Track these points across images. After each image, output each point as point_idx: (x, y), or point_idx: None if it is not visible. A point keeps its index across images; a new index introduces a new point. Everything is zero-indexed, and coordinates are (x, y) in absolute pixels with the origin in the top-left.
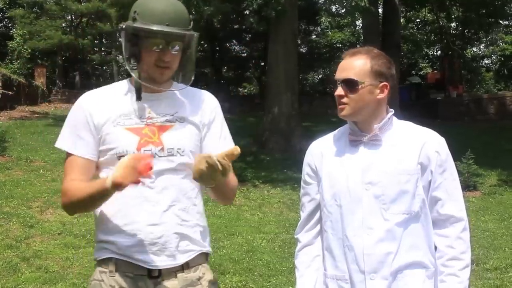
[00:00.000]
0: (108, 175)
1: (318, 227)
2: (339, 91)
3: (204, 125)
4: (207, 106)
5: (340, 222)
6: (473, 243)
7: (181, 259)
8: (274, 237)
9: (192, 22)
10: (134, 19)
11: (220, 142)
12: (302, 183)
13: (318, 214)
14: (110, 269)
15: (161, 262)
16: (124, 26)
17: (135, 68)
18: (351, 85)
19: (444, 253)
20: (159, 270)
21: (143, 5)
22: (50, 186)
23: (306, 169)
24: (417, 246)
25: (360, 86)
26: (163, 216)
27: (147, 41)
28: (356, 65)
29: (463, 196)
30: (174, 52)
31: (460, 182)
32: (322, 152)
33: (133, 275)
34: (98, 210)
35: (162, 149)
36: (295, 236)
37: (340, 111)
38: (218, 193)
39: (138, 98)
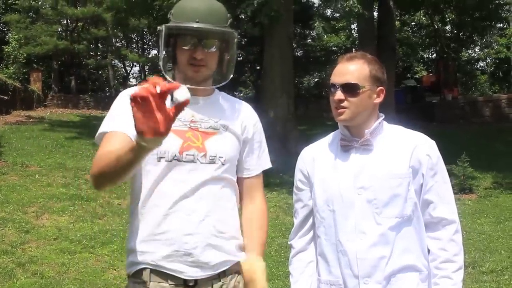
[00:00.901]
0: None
1: (312, 233)
2: (339, 95)
3: (244, 139)
4: (249, 121)
5: (334, 227)
6: (469, 246)
7: (217, 270)
8: (270, 242)
9: (230, 21)
10: (169, 20)
11: (260, 160)
12: (294, 189)
13: (311, 220)
14: (144, 280)
15: (196, 272)
16: (160, 28)
17: (169, 69)
18: (351, 89)
19: (437, 255)
20: (195, 280)
21: (177, 5)
22: (45, 191)
23: (298, 175)
24: (410, 250)
25: (361, 91)
26: (199, 226)
27: (179, 40)
28: (355, 69)
29: (459, 199)
30: (209, 51)
31: (456, 185)
32: (313, 157)
33: (168, 284)
34: (132, 219)
35: (205, 155)
36: (289, 242)
37: (339, 115)
38: None
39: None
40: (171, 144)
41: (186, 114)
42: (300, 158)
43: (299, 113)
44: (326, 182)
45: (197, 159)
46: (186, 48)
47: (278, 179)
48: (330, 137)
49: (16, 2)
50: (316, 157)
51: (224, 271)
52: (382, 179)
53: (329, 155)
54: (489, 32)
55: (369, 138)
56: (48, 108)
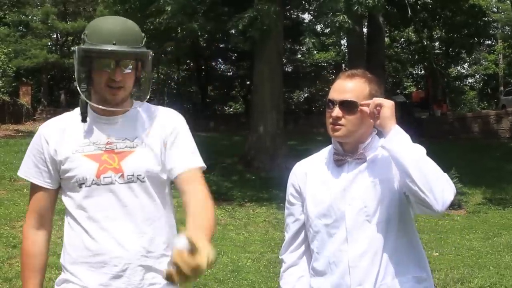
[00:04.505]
0: None
1: (303, 247)
2: (337, 112)
3: (165, 144)
4: (169, 125)
5: (327, 241)
6: (458, 261)
7: None
8: (259, 257)
9: (144, 40)
10: (84, 41)
11: (186, 157)
12: (286, 203)
13: (302, 235)
14: None
15: None
16: (74, 49)
17: (84, 90)
18: (350, 107)
19: None
20: None
21: (92, 26)
22: None
23: (290, 189)
24: (401, 256)
25: (359, 109)
26: (127, 248)
27: (96, 62)
28: (355, 88)
29: (448, 214)
30: (126, 71)
31: None
32: (306, 172)
33: None
34: (64, 239)
35: (122, 175)
36: (280, 257)
37: (335, 131)
38: None
39: (83, 120)
40: (87, 169)
41: (102, 136)
42: (293, 172)
43: (288, 128)
44: (318, 196)
45: (115, 180)
46: (103, 70)
47: (267, 194)
48: (323, 152)
49: (5, 16)
50: (309, 171)
51: None
52: (373, 188)
53: (322, 170)
54: (477, 49)
55: (363, 152)
56: (37, 122)
